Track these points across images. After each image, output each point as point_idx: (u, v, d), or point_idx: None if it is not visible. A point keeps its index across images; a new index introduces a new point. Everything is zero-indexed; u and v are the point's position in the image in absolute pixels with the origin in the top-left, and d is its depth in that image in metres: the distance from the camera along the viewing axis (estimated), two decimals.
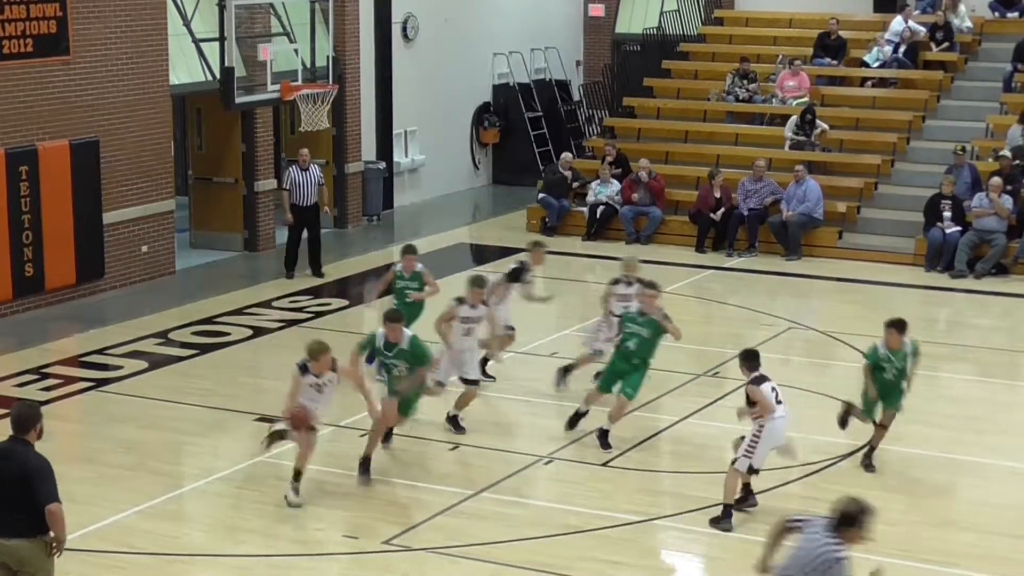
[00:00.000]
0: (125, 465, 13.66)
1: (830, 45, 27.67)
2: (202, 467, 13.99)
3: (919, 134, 25.77)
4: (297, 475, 12.68)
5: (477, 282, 14.75)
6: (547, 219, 25.28)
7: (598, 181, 25.15)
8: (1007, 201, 22.32)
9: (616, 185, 24.98)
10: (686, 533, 12.33)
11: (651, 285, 14.37)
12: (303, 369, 12.60)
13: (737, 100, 27.06)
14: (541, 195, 25.54)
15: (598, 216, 24.80)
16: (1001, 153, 23.43)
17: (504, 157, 29.73)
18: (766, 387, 12.20)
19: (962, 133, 24.90)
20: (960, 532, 12.45)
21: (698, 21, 30.18)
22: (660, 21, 29.94)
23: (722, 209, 23.87)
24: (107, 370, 16.76)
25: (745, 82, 27.08)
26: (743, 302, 20.55)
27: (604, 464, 13.76)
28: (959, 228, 22.42)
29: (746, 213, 23.79)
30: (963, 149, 23.50)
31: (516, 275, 16.11)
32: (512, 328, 16.16)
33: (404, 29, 26.86)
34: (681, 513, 12.56)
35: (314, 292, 20.67)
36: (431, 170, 27.78)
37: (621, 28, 31.41)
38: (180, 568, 11.61)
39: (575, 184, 25.57)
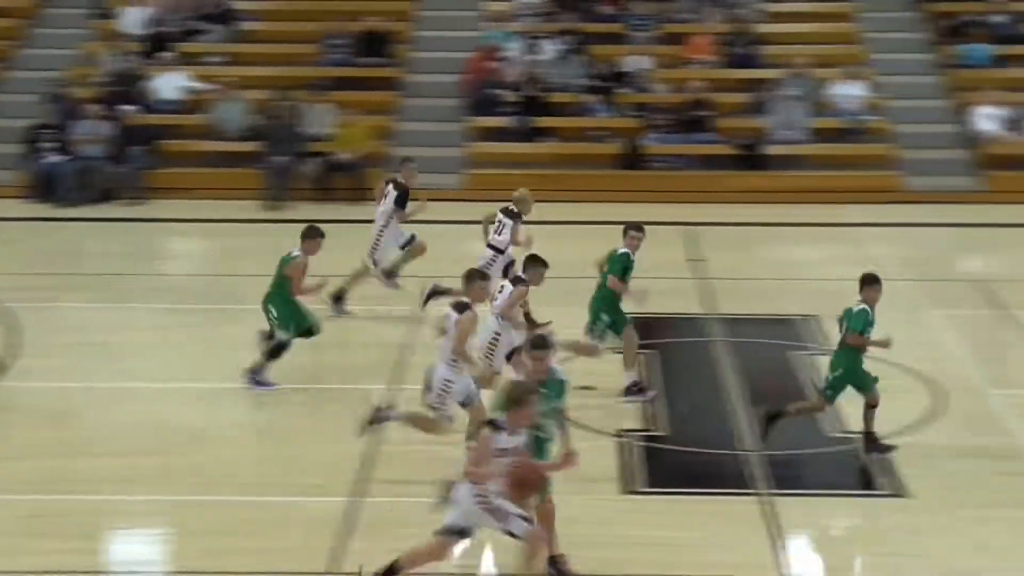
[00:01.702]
0: None
1: None
2: None
3: (14, 63, 25.23)
4: None
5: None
6: None
7: None
8: (104, 128, 22.58)
9: None
10: None
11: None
12: (495, 426, 9.35)
13: None
14: None
15: None
16: (92, 81, 23.64)
17: None
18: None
19: (57, 61, 24.70)
20: (102, 458, 12.33)
21: None
22: None
23: None
24: None
25: None
26: None
27: None
28: (62, 157, 22.39)
29: None
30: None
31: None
32: None
33: None
34: None
35: None
36: None
37: None
38: None
39: None
